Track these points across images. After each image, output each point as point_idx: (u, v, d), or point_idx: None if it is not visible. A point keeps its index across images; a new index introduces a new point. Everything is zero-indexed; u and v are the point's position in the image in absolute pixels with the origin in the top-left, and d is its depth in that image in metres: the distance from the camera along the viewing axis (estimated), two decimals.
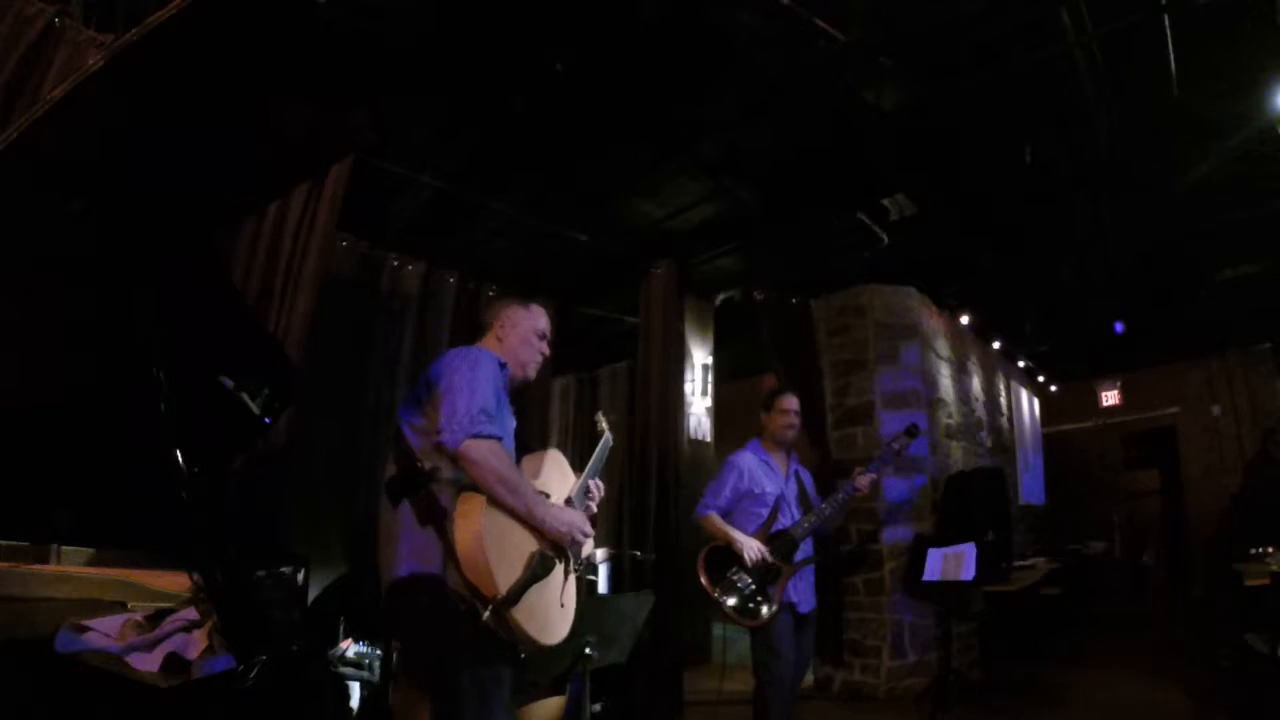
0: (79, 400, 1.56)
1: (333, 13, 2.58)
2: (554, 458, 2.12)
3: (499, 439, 1.76)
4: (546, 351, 2.18)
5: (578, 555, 2.00)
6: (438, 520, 1.76)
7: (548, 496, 1.95)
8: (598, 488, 2.18)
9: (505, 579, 1.67)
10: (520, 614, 1.69)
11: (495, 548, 1.68)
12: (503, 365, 2.00)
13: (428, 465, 1.80)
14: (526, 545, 1.79)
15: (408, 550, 1.76)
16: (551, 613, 1.86)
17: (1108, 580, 8.53)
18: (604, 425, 2.41)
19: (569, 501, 2.05)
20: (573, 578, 2.00)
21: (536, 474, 2.02)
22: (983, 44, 3.19)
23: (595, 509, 2.15)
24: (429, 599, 1.73)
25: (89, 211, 1.35)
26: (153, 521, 1.70)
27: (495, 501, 1.73)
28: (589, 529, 1.98)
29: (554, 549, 1.87)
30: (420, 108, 3.43)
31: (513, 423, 2.02)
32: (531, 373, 2.13)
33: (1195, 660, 5.16)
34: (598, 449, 2.31)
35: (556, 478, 2.08)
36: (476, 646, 1.71)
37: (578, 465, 2.23)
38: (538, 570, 1.74)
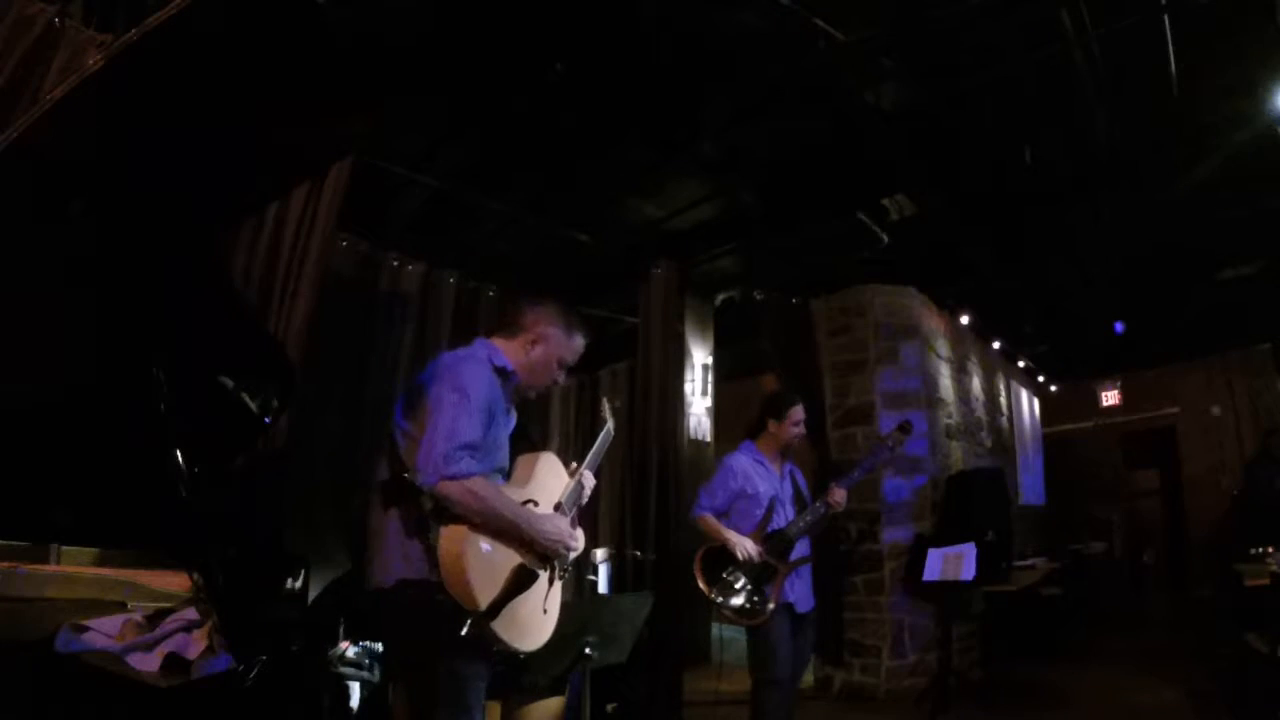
0: (79, 400, 1.56)
1: (332, 13, 2.58)
2: (547, 460, 2.09)
3: (476, 474, 1.71)
4: (560, 381, 2.11)
5: (564, 561, 2.00)
6: (423, 531, 1.76)
7: (535, 504, 1.93)
8: (588, 481, 2.18)
9: (486, 595, 1.68)
10: (499, 625, 1.71)
11: (477, 567, 1.69)
12: (509, 374, 1.95)
13: (417, 479, 1.78)
14: (510, 561, 1.79)
15: (395, 558, 1.78)
16: (533, 620, 1.87)
17: (1108, 580, 8.52)
18: (607, 413, 2.37)
19: (558, 507, 2.03)
20: (558, 584, 2.00)
21: (529, 477, 2.00)
22: (983, 44, 3.18)
23: (585, 499, 2.15)
24: (410, 599, 1.74)
25: (89, 211, 1.35)
26: (153, 521, 1.70)
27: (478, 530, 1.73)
28: (577, 538, 1.97)
29: (540, 559, 1.87)
30: (420, 108, 3.43)
31: (511, 423, 2.02)
32: (533, 394, 2.10)
33: (1195, 660, 5.16)
34: (599, 440, 2.29)
35: (550, 481, 2.07)
36: (454, 642, 1.71)
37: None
38: (520, 585, 1.74)
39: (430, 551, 1.73)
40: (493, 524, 1.74)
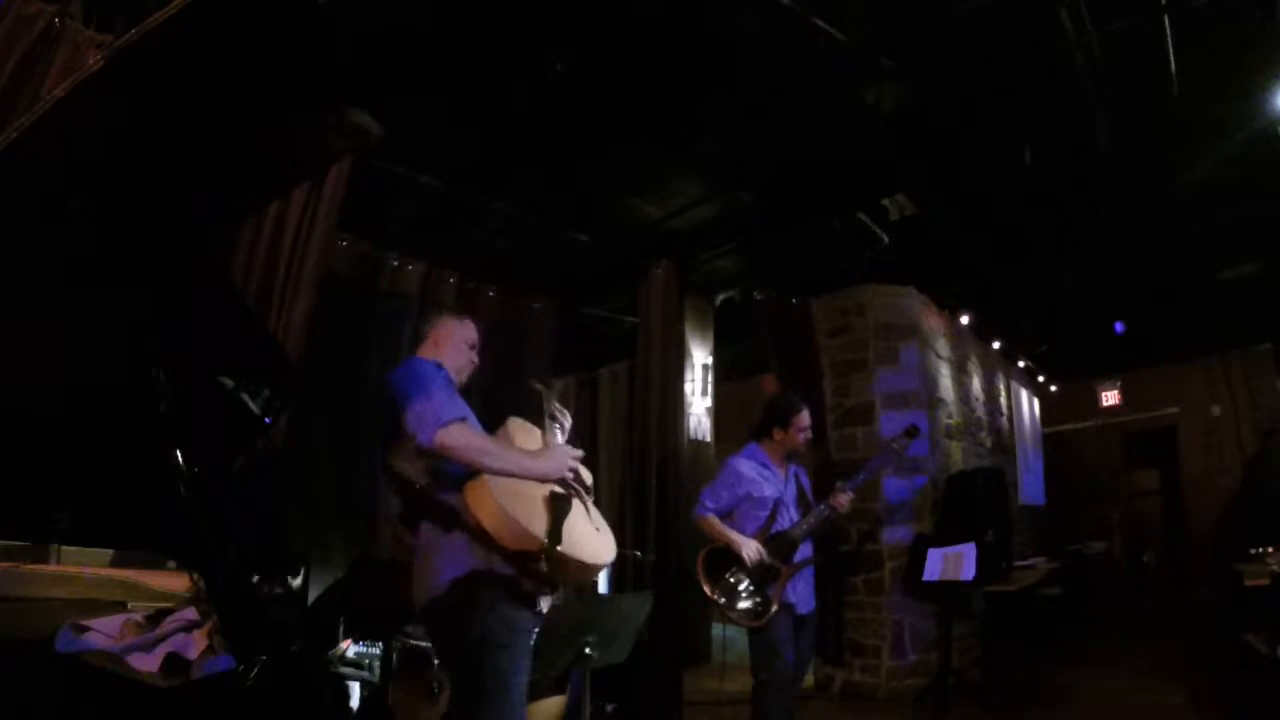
0: (79, 400, 1.56)
1: (333, 13, 2.58)
2: (517, 423, 2.21)
3: (464, 419, 1.85)
4: (475, 360, 2.32)
5: (584, 484, 2.10)
6: (459, 521, 1.84)
7: None
8: (562, 414, 2.26)
9: (540, 525, 1.78)
10: (570, 548, 1.80)
11: (518, 507, 1.78)
12: (440, 366, 2.09)
13: (424, 481, 1.90)
14: (538, 493, 1.89)
15: (443, 561, 1.85)
16: (591, 537, 1.97)
17: (1108, 580, 8.52)
18: (540, 387, 2.45)
19: None
20: (592, 506, 2.10)
21: (509, 443, 2.09)
22: (983, 44, 3.19)
23: (568, 428, 2.25)
24: (459, 599, 1.82)
25: (89, 211, 1.35)
26: (153, 522, 1.70)
27: (491, 474, 1.82)
28: (575, 452, 2.08)
29: (561, 489, 1.96)
30: (420, 108, 3.43)
31: (468, 412, 2.08)
32: (463, 378, 2.24)
33: (1195, 660, 5.16)
34: (548, 403, 2.35)
35: (526, 440, 2.15)
36: (499, 638, 1.79)
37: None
38: (560, 508, 1.85)
39: (473, 532, 1.80)
40: (497, 463, 1.84)
